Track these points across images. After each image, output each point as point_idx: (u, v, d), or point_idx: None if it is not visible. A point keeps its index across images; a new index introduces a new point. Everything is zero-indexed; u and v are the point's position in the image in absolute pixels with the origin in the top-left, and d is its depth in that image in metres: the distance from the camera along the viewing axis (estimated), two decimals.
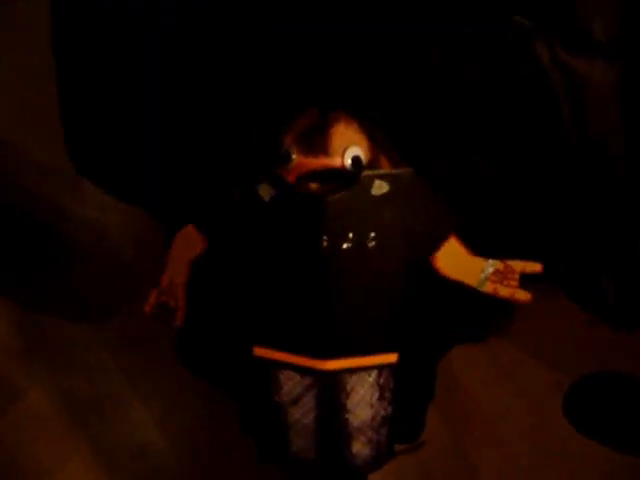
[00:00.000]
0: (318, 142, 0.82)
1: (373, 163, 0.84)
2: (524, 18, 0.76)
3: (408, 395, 0.88)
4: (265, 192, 0.84)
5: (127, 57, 0.89)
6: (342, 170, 0.82)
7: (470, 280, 0.84)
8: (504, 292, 0.83)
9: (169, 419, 1.07)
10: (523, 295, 0.82)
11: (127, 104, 0.90)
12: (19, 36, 1.19)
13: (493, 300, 0.84)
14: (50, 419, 1.06)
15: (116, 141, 0.91)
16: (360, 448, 0.85)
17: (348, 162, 0.82)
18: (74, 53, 0.90)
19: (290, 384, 0.84)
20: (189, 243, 0.88)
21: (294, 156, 0.82)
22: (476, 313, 0.91)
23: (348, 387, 0.83)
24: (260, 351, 0.85)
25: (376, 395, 0.84)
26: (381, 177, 0.82)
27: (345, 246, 0.81)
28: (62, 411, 1.07)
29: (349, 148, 0.82)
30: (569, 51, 0.76)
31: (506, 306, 0.97)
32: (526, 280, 0.83)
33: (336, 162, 0.82)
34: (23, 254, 1.14)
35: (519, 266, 0.82)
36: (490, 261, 0.83)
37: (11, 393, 1.07)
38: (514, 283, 0.82)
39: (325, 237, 0.80)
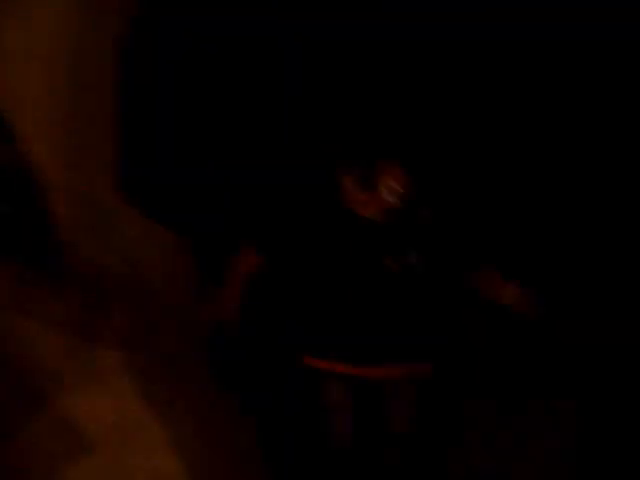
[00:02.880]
0: (369, 180, 0.94)
1: (413, 198, 0.97)
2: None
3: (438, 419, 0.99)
4: (326, 215, 0.95)
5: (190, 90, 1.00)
6: (391, 206, 0.94)
7: (505, 300, 0.93)
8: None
9: (185, 446, 1.08)
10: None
11: (187, 134, 1.01)
12: None
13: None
14: (68, 440, 1.05)
15: (177, 171, 1.01)
16: (392, 458, 0.93)
17: (394, 200, 0.94)
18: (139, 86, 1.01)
19: (335, 392, 0.93)
20: (246, 262, 0.97)
21: (351, 188, 0.95)
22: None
23: (387, 397, 0.93)
24: (309, 360, 0.93)
25: (414, 409, 0.94)
26: (425, 209, 0.97)
27: (397, 267, 0.92)
28: (84, 432, 1.06)
29: (393, 187, 0.94)
30: None
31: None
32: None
33: (387, 201, 0.94)
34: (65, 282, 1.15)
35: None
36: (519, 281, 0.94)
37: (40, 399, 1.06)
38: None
39: (380, 257, 0.92)
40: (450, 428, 1.01)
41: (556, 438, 1.13)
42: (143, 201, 1.03)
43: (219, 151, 1.03)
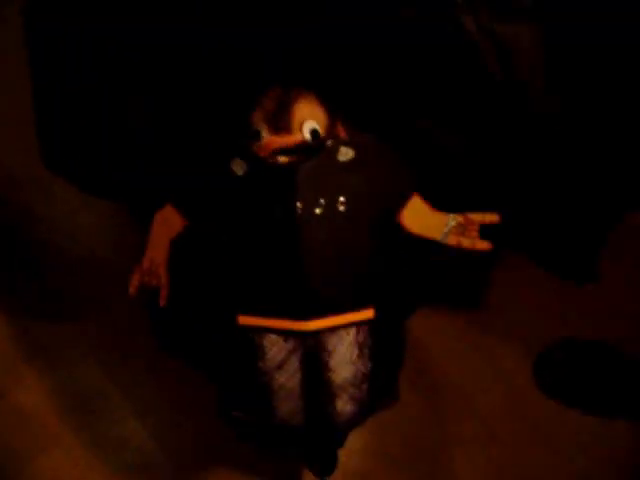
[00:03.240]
0: (282, 121, 0.89)
1: (332, 132, 0.92)
2: None
3: (385, 352, 0.91)
4: (238, 167, 0.88)
5: (101, 56, 0.93)
6: (305, 143, 0.89)
7: (434, 234, 0.90)
8: (466, 243, 0.89)
9: (150, 413, 1.08)
10: (483, 244, 0.89)
11: (101, 95, 0.94)
12: None
13: (456, 256, 0.90)
14: (35, 415, 1.06)
15: (90, 132, 0.94)
16: (343, 405, 0.88)
17: (307, 135, 0.89)
18: (49, 50, 0.94)
19: (274, 349, 0.87)
20: (168, 222, 0.92)
21: (263, 134, 0.89)
22: (441, 268, 0.95)
23: (329, 346, 0.87)
24: (244, 319, 0.88)
25: (356, 352, 0.88)
26: (346, 144, 0.89)
27: (318, 211, 0.86)
28: (46, 407, 1.07)
29: (306, 122, 0.89)
30: (496, 19, 0.82)
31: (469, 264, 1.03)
32: (493, 250, 0.89)
33: (297, 137, 0.89)
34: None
35: (478, 217, 0.89)
36: (451, 215, 0.90)
37: None
38: (474, 234, 0.89)
39: (298, 204, 0.85)
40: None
41: None
42: (62, 166, 0.98)
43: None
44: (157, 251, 0.91)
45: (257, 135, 0.89)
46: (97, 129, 0.94)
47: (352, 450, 1.03)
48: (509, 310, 1.16)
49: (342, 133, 0.92)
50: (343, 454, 0.96)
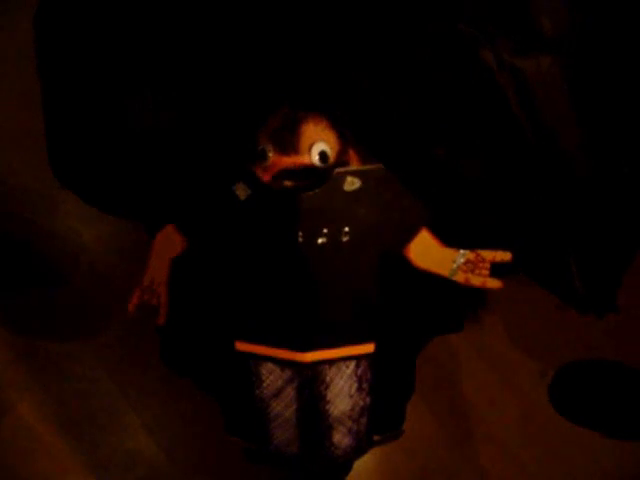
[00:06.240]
0: (289, 140, 0.85)
1: (342, 158, 0.87)
2: (469, 25, 0.78)
3: (387, 386, 0.89)
4: (241, 191, 0.86)
5: (109, 65, 0.91)
6: (313, 167, 0.85)
7: (442, 270, 0.86)
8: (475, 281, 0.85)
9: (160, 427, 1.09)
10: (494, 283, 0.85)
11: (107, 111, 0.92)
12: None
13: (466, 289, 0.86)
14: (42, 431, 1.08)
15: (97, 149, 0.93)
16: (340, 438, 0.86)
17: (316, 158, 0.85)
18: (60, 60, 0.92)
19: (271, 378, 0.86)
20: (169, 242, 0.90)
21: (270, 154, 0.85)
22: (450, 303, 0.92)
23: (327, 378, 0.85)
24: (241, 345, 0.87)
25: (355, 386, 0.86)
26: (352, 173, 0.85)
27: (320, 241, 0.83)
28: (54, 422, 1.08)
29: (315, 144, 0.84)
30: (516, 53, 0.78)
31: (479, 295, 1.00)
32: (499, 272, 0.85)
33: (305, 159, 0.85)
34: (5, 271, 1.16)
35: (490, 255, 0.85)
36: (461, 251, 0.86)
37: (3, 405, 1.09)
38: (485, 272, 0.85)
39: (300, 233, 0.83)
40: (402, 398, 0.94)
41: None
42: (70, 181, 0.97)
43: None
44: (157, 269, 0.89)
45: (263, 154, 0.85)
46: (104, 141, 0.93)
47: (359, 468, 1.02)
48: (523, 330, 1.12)
49: (354, 161, 0.88)
50: (351, 472, 0.95)
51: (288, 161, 0.85)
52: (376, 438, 0.91)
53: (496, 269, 0.86)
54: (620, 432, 1.07)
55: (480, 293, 0.88)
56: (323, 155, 0.85)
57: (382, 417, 0.90)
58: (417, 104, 0.85)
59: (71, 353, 1.12)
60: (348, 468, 0.93)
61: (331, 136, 0.86)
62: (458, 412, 1.10)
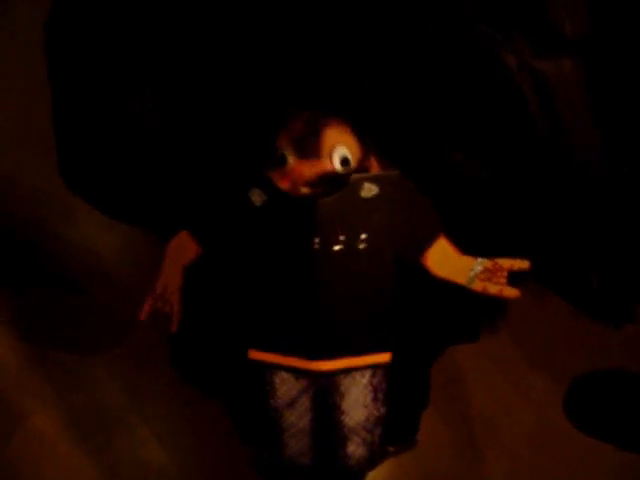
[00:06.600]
0: (310, 145, 0.83)
1: (363, 164, 0.86)
2: (490, 27, 0.78)
3: (402, 396, 0.88)
4: (257, 197, 0.85)
5: (119, 69, 0.91)
6: (332, 173, 0.84)
7: (460, 279, 0.85)
8: (493, 289, 0.84)
9: (172, 437, 1.08)
10: (512, 292, 0.84)
11: (118, 116, 0.92)
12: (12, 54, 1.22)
13: (483, 298, 0.86)
14: (55, 440, 1.07)
15: (109, 155, 0.93)
16: (354, 449, 0.85)
17: (337, 163, 0.84)
18: (69, 65, 0.92)
19: (285, 387, 0.85)
20: (182, 249, 0.89)
21: (290, 159, 0.84)
22: (467, 312, 0.92)
23: (342, 388, 0.84)
24: (255, 354, 0.86)
25: (370, 396, 0.85)
26: (370, 180, 0.84)
27: (336, 248, 0.82)
28: (66, 432, 1.08)
29: (337, 148, 0.83)
30: (536, 55, 0.78)
31: (497, 305, 0.99)
32: (516, 280, 0.85)
33: (326, 165, 0.84)
34: (21, 278, 1.16)
35: (507, 263, 0.84)
36: (479, 260, 0.85)
37: (16, 415, 1.08)
38: (503, 280, 0.84)
39: (316, 240, 0.82)
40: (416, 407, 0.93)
41: None
42: (82, 188, 0.97)
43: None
44: (170, 277, 0.88)
45: (282, 159, 0.84)
46: (109, 145, 0.92)
47: (371, 474, 1.01)
48: (539, 339, 1.11)
49: (375, 168, 0.87)
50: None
51: (308, 166, 0.84)
52: (390, 449, 0.90)
53: (512, 278, 0.84)
54: (631, 444, 1.06)
55: (496, 302, 0.86)
56: (345, 160, 0.84)
57: (396, 428, 0.89)
58: (417, 104, 0.85)
59: (84, 363, 1.11)
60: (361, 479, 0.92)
61: (352, 142, 0.85)
62: (471, 421, 1.09)
